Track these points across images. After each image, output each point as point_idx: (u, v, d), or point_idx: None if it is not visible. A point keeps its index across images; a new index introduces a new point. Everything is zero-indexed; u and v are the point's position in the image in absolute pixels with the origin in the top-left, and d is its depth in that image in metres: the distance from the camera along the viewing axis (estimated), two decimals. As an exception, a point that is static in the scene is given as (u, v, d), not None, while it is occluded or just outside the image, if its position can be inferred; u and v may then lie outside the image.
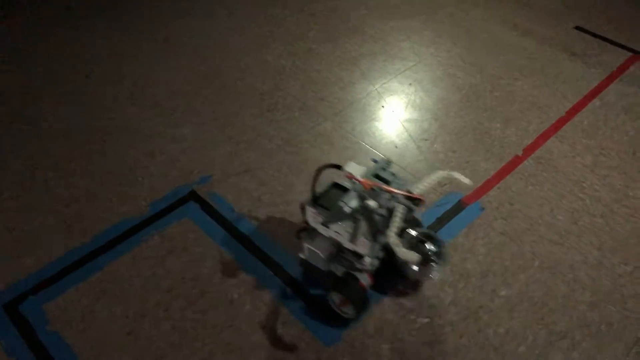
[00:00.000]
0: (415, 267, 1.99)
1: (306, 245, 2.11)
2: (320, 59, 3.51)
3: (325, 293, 2.17)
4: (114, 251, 2.41)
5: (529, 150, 2.90)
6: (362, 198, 1.87)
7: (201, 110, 3.12)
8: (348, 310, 2.14)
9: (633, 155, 2.89)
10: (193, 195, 2.64)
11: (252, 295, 2.26)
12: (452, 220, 2.56)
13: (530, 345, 2.13)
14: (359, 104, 3.19)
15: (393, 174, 1.98)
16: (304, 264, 2.23)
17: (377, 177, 1.95)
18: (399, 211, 1.82)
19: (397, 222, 1.80)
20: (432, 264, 1.99)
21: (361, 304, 2.12)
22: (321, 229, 2.03)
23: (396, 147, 2.92)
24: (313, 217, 2.02)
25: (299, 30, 3.77)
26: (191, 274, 2.33)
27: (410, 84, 3.33)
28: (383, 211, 1.88)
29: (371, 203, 1.83)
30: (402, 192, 1.88)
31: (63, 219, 2.54)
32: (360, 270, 2.09)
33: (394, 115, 3.12)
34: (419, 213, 2.08)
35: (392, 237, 1.76)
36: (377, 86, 3.31)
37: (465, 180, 1.97)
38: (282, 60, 3.49)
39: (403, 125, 3.06)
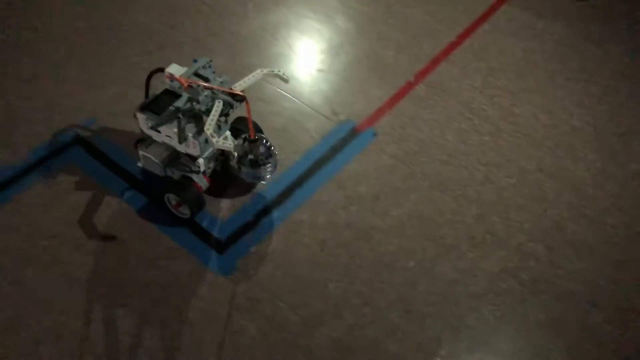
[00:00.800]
0: (234, 164, 2.10)
1: (141, 152, 2.18)
2: (212, -6, 3.38)
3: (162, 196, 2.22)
4: (-7, 201, 2.29)
5: (421, 75, 2.94)
6: (191, 100, 1.97)
7: (84, 49, 2.95)
8: (184, 211, 2.20)
9: (519, 75, 2.99)
10: (78, 139, 2.52)
11: (142, 234, 2.21)
12: (346, 147, 2.58)
13: (419, 259, 2.21)
14: (253, 37, 3.11)
15: (213, 72, 2.06)
16: (144, 172, 2.30)
17: (198, 75, 2.02)
18: (217, 106, 1.92)
19: (214, 115, 1.89)
20: (263, 166, 2.08)
21: (195, 204, 2.16)
22: (153, 135, 2.10)
23: (293, 79, 2.88)
24: (144, 123, 2.07)
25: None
26: (78, 217, 2.25)
27: (305, 16, 3.27)
28: (203, 108, 1.99)
29: (193, 103, 1.97)
30: (221, 89, 1.96)
31: None
32: (197, 172, 2.15)
33: (289, 48, 3.07)
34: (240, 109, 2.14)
35: (208, 130, 1.85)
36: (269, 19, 3.23)
37: (285, 77, 2.13)
38: (172, -4, 3.34)
39: (298, 57, 3.02)
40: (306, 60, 2.99)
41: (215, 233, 2.24)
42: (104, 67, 2.85)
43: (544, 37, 3.22)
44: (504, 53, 3.11)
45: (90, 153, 2.47)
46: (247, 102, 1.95)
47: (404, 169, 2.51)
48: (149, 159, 2.18)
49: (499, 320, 2.07)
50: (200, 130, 2.02)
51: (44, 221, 2.24)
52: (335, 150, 2.56)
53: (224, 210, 2.31)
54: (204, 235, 2.23)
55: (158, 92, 2.13)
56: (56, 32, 3.04)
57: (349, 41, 3.12)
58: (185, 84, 1.92)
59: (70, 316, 1.98)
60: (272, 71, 2.14)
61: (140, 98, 2.60)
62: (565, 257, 2.26)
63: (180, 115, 1.97)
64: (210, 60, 2.07)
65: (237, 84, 2.10)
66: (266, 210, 2.33)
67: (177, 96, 2.06)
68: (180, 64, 2.06)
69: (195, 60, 2.06)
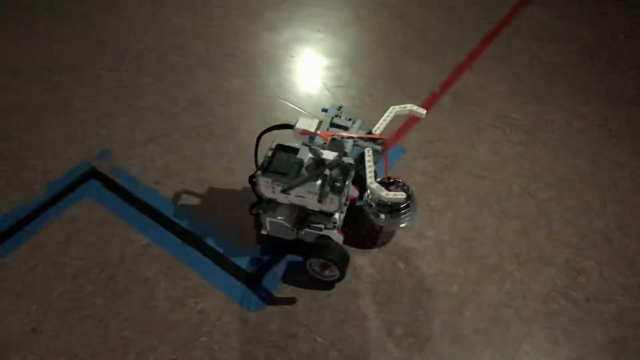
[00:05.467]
0: (383, 216, 2.00)
1: (268, 219, 1.93)
2: (220, 13, 3.27)
3: (302, 262, 2.02)
4: (8, 243, 2.16)
5: (445, 85, 2.82)
6: (316, 152, 1.77)
7: (94, 79, 2.85)
8: (331, 273, 2.01)
9: (548, 79, 2.86)
10: (93, 173, 2.41)
11: (167, 271, 2.08)
12: (375, 166, 2.44)
13: (462, 283, 2.07)
14: (267, 55, 3.00)
15: (348, 119, 1.88)
16: (268, 239, 2.10)
17: (333, 125, 1.85)
18: (369, 155, 1.71)
19: (370, 166, 1.69)
20: (403, 211, 1.98)
21: (345, 262, 1.95)
22: (281, 198, 1.86)
23: (311, 97, 2.77)
24: (268, 187, 1.82)
25: (196, -16, 3.51)
26: (98, 257, 2.12)
27: (318, 30, 3.17)
28: (351, 159, 1.77)
29: (338, 155, 1.76)
30: (364, 136, 1.78)
31: (-55, 215, 2.27)
32: (331, 229, 1.95)
33: (305, 65, 2.95)
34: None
35: (373, 184, 1.66)
36: (284, 36, 3.13)
37: (419, 112, 1.87)
38: (180, 18, 3.23)
39: (315, 74, 2.90)
40: (324, 77, 2.88)
41: (244, 266, 2.11)
42: (115, 96, 2.75)
43: (569, 39, 3.09)
44: (529, 57, 2.98)
45: (107, 187, 2.35)
46: (385, 147, 1.79)
47: (437, 186, 2.37)
48: (278, 224, 1.94)
49: (554, 344, 1.92)
50: (340, 186, 1.77)
51: (62, 261, 2.11)
52: (363, 169, 2.43)
53: (251, 241, 2.18)
54: (233, 269, 2.10)
55: (268, 149, 1.88)
56: (63, 63, 2.94)
57: (366, 54, 3.00)
58: (329, 138, 1.75)
59: (96, 364, 1.86)
60: (405, 107, 1.86)
61: (152, 126, 2.50)
62: (618, 271, 2.12)
63: (327, 172, 1.72)
64: (341, 107, 1.90)
65: (376, 128, 1.81)
66: (295, 240, 2.20)
67: (294, 150, 1.82)
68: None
69: (324, 110, 1.89)
